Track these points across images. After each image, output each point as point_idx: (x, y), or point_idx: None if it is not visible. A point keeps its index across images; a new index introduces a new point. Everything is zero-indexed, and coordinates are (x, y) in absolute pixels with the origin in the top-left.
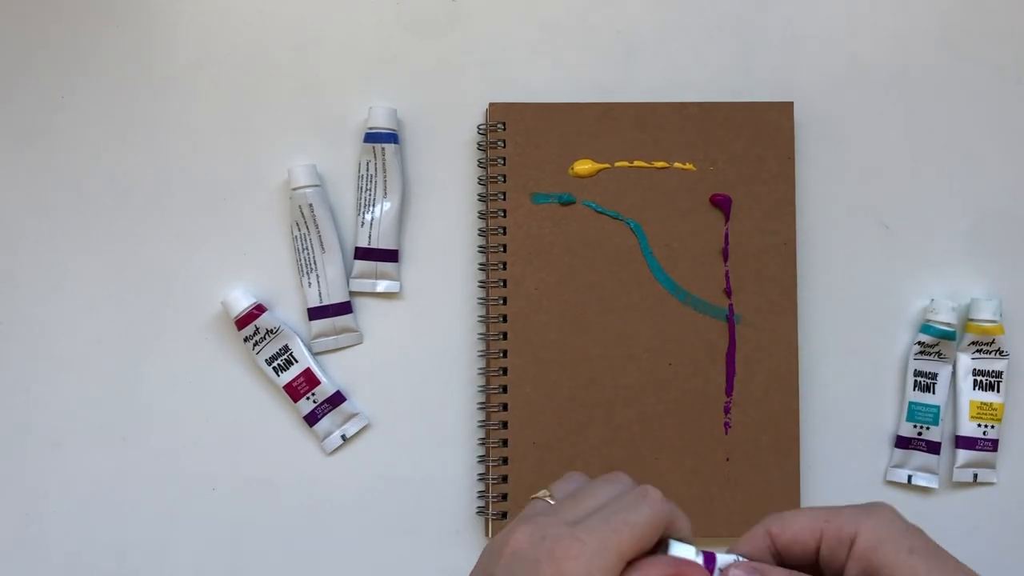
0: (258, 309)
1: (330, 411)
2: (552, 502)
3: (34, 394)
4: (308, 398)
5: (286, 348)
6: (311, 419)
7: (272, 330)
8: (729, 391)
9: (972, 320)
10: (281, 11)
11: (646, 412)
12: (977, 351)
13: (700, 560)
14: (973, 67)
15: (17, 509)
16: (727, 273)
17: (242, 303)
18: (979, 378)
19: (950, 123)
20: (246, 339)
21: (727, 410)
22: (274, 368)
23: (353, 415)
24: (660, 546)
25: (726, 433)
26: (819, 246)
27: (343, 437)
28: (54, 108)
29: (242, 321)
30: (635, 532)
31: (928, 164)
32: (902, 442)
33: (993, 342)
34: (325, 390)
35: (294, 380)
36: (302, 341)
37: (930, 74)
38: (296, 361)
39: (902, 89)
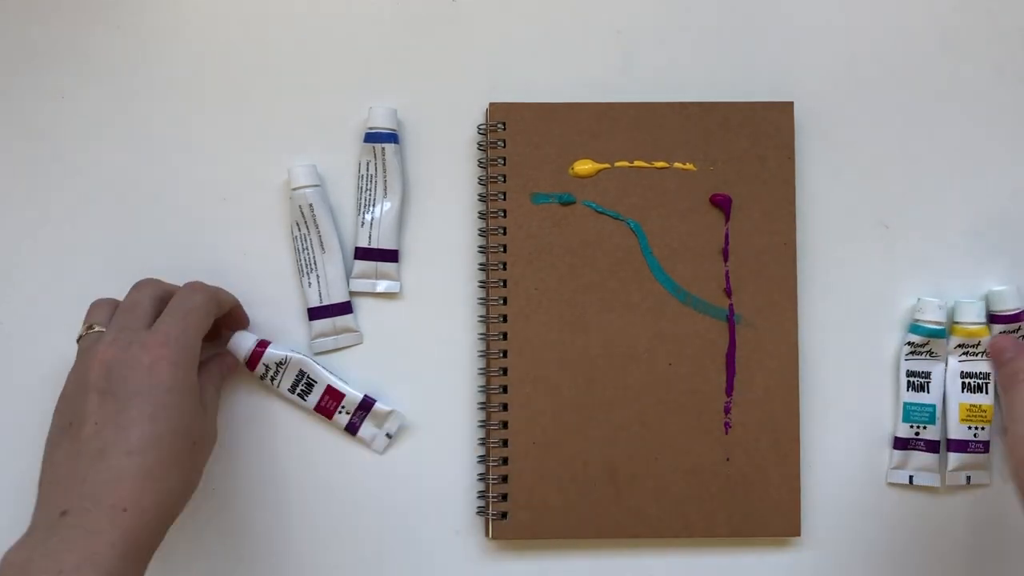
0: (261, 346)
1: (366, 416)
2: (101, 328)
3: (34, 394)
4: (340, 411)
5: (302, 373)
6: (352, 429)
7: (281, 362)
8: (729, 391)
9: (957, 323)
10: (281, 11)
11: (646, 412)
12: (964, 353)
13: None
14: (973, 67)
15: (17, 509)
16: (727, 273)
17: (245, 346)
18: (967, 380)
19: (950, 123)
20: (261, 377)
21: (727, 410)
22: (298, 395)
23: (389, 413)
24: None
25: (726, 433)
26: (819, 246)
27: (388, 436)
28: (54, 108)
29: (251, 363)
30: (199, 313)
31: (928, 164)
32: (900, 443)
33: (979, 344)
34: (353, 399)
35: (321, 400)
36: (311, 359)
37: (930, 74)
38: (316, 382)
39: (902, 89)
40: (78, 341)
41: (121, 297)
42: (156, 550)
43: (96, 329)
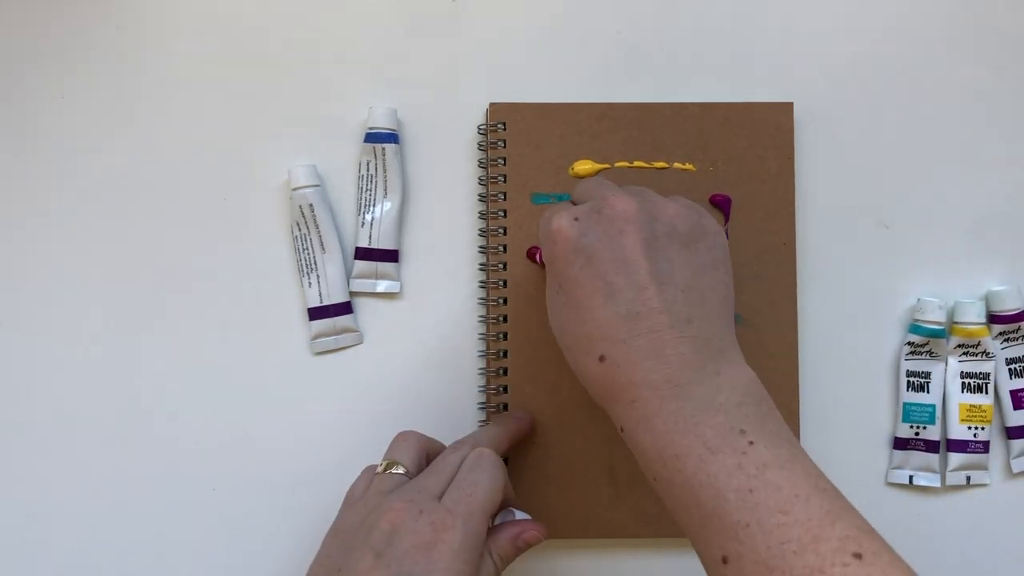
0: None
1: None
2: (400, 471)
3: (34, 394)
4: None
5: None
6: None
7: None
8: None
9: (957, 323)
10: (281, 11)
11: None
12: (964, 354)
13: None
14: (973, 67)
15: (17, 509)
16: None
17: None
18: (967, 380)
19: (950, 123)
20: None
21: None
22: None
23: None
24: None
25: None
26: (819, 246)
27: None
28: (54, 108)
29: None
30: (488, 494)
31: (928, 164)
32: (900, 443)
33: (979, 344)
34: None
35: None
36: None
37: (930, 74)
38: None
39: (902, 89)
40: (376, 473)
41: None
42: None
43: (397, 472)
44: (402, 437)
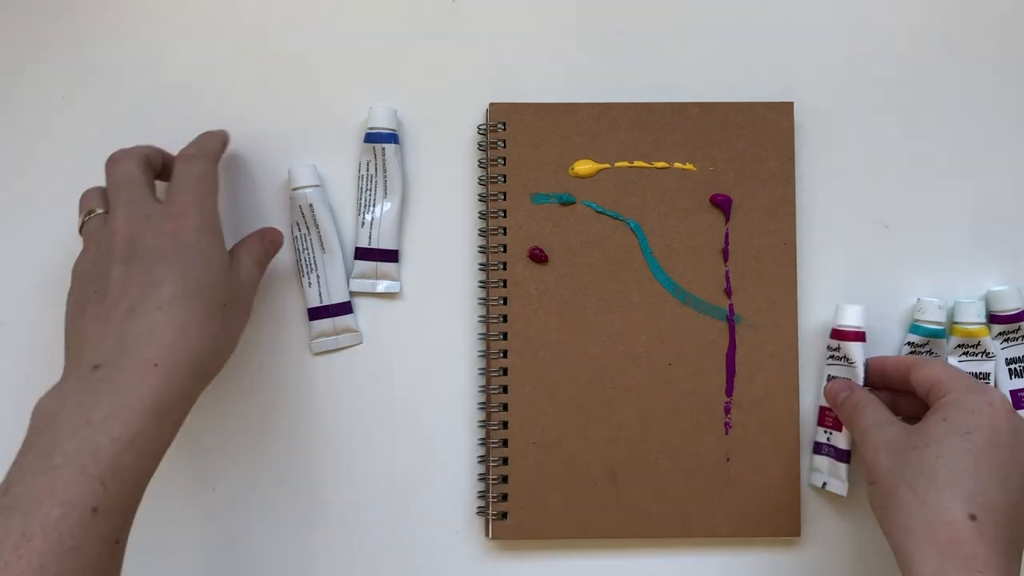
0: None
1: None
2: (103, 211)
3: (34, 394)
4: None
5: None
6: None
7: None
8: (729, 391)
9: (957, 323)
10: (281, 11)
11: (646, 412)
12: (963, 354)
13: None
14: (973, 67)
15: None
16: (727, 273)
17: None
18: None
19: (950, 123)
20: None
21: (727, 410)
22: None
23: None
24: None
25: (726, 433)
26: (819, 246)
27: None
28: (54, 108)
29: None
30: (207, 179)
31: (928, 164)
32: None
33: (979, 344)
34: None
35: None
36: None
37: (930, 74)
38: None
39: (903, 89)
40: (80, 230)
41: None
42: (186, 415)
43: (98, 212)
44: (88, 191)
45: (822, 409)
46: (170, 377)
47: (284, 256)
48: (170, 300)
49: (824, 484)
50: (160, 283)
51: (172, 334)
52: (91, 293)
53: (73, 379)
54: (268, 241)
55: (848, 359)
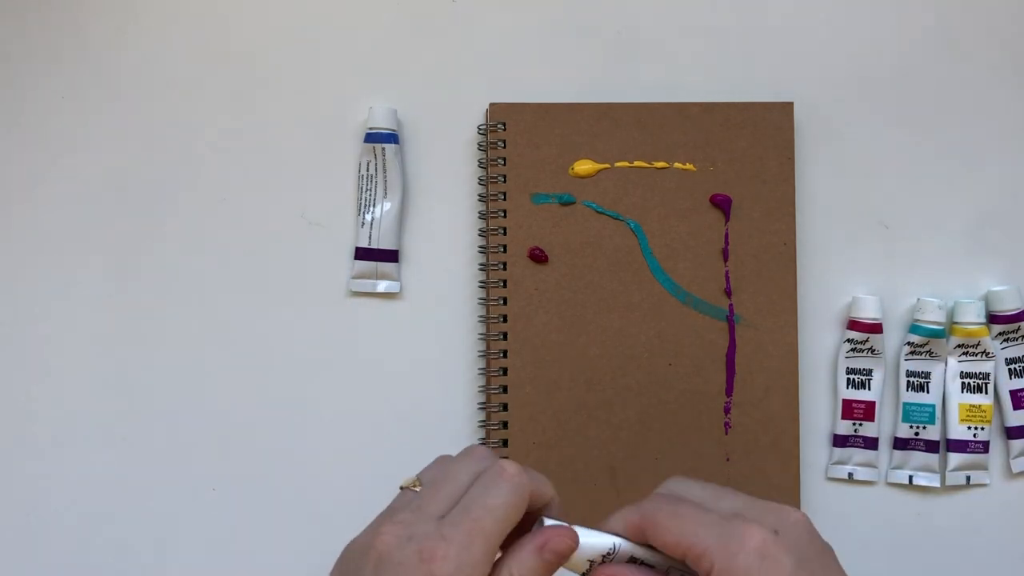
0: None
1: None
2: (418, 489)
3: (34, 394)
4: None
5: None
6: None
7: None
8: (729, 391)
9: (957, 323)
10: (281, 11)
11: (646, 412)
12: (963, 354)
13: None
14: (973, 67)
15: (17, 509)
16: (727, 273)
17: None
18: (967, 380)
19: (950, 123)
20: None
21: (727, 410)
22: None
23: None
24: (535, 523)
25: (726, 433)
26: (819, 246)
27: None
28: (54, 108)
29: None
30: (496, 516)
31: (928, 164)
32: (900, 443)
33: (979, 344)
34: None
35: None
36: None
37: (930, 74)
38: None
39: (902, 89)
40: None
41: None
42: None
43: (415, 489)
44: (439, 457)
45: (846, 402)
46: None
47: (284, 258)
48: None
49: (851, 475)
50: None
51: None
52: None
53: None
54: (548, 551)
55: (874, 350)
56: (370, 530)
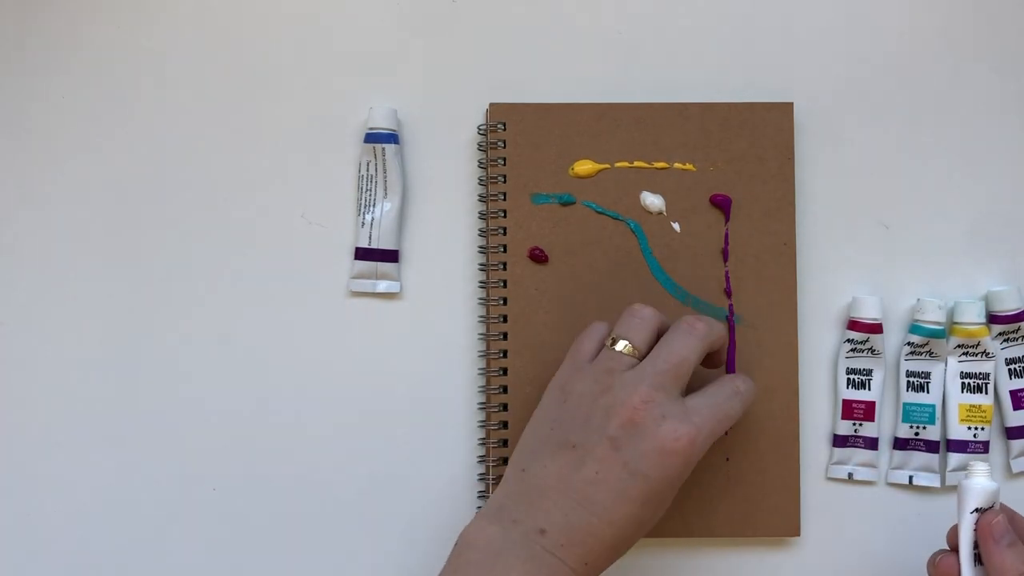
0: None
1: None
2: (631, 354)
3: (34, 394)
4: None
5: None
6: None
7: None
8: None
9: (957, 323)
10: (280, 11)
11: None
12: (963, 354)
13: None
14: (974, 67)
15: (17, 509)
16: (727, 273)
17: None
18: (967, 380)
19: (950, 123)
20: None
21: None
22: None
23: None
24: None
25: (726, 433)
26: (819, 246)
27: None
28: (53, 108)
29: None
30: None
31: (928, 164)
32: (900, 443)
33: (979, 344)
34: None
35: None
36: None
37: (931, 74)
38: None
39: (902, 89)
40: (606, 345)
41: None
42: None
43: (625, 350)
44: (634, 312)
45: (846, 402)
46: (595, 569)
47: (284, 259)
48: (621, 522)
49: (851, 475)
50: (624, 502)
51: (607, 550)
52: (570, 445)
53: (518, 534)
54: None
55: (874, 350)
56: (607, 388)
